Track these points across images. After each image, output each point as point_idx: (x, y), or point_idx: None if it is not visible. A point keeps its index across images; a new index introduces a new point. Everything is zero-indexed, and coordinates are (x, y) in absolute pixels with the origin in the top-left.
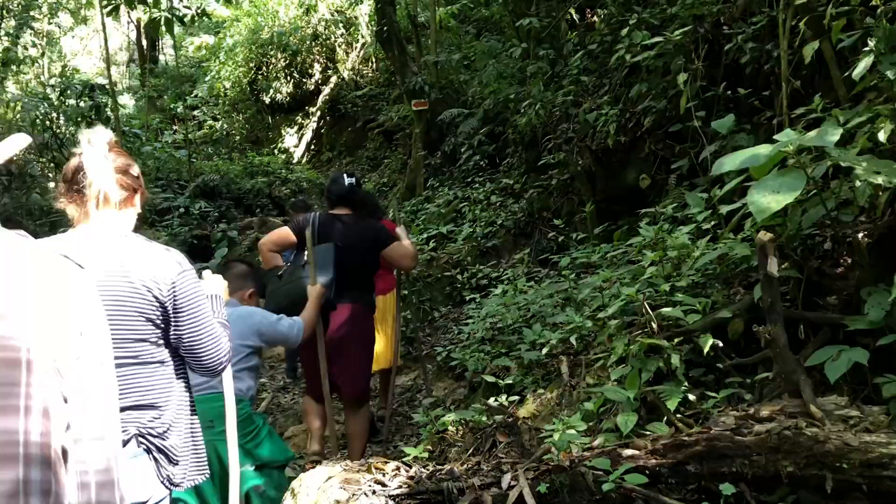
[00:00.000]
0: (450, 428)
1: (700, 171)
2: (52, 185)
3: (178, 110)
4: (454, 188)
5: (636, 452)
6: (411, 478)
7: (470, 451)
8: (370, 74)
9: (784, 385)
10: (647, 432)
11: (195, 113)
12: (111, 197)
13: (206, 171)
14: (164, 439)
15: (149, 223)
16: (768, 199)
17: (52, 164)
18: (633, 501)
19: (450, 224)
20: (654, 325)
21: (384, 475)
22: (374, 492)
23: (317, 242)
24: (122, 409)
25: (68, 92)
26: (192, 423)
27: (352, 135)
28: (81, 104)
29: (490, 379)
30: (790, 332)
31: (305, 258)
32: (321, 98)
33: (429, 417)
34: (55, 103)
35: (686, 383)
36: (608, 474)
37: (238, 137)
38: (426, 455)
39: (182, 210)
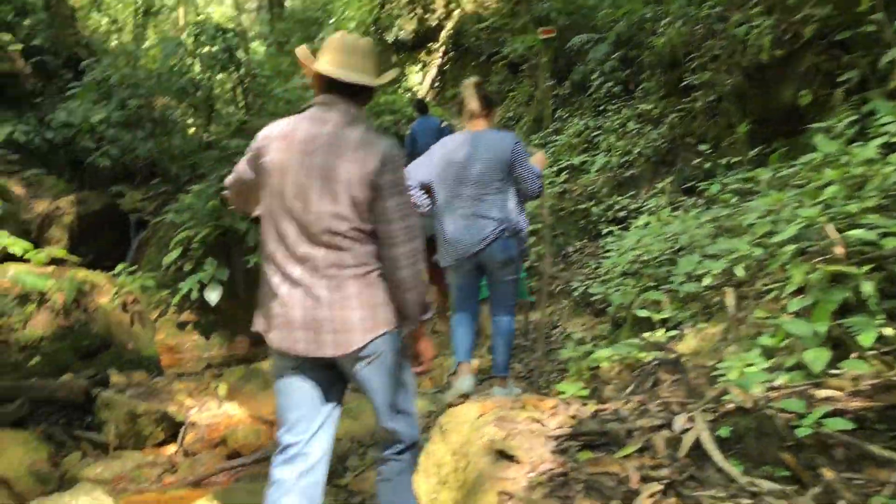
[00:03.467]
0: (602, 365)
1: (874, 82)
2: (192, 130)
3: None
4: (585, 118)
5: (835, 393)
6: (572, 417)
7: (628, 389)
8: (493, 5)
9: None
10: (837, 371)
11: None
12: (477, 111)
13: None
14: (515, 227)
15: None
16: None
17: (191, 109)
18: (830, 449)
19: (582, 155)
20: (841, 250)
21: (542, 413)
22: (532, 431)
23: None
24: (491, 218)
25: (202, 38)
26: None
27: (476, 69)
28: (214, 48)
29: (643, 313)
30: None
31: None
32: (444, 33)
33: (579, 353)
34: (190, 48)
35: (882, 316)
36: (801, 418)
37: None
38: (585, 393)
39: None
